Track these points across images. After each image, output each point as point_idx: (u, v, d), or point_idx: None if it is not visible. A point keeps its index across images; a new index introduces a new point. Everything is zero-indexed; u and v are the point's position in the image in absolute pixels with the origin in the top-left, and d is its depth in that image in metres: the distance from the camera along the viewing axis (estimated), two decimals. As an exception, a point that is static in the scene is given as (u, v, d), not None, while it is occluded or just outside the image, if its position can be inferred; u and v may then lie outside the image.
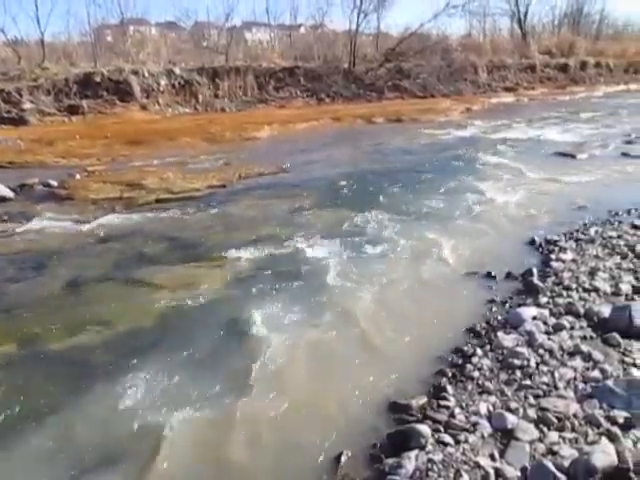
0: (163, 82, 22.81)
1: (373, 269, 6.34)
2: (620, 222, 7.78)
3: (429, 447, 3.29)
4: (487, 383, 3.95)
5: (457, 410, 3.65)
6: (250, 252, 6.83)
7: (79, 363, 4.52)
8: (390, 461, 3.24)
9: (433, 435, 3.39)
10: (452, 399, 3.78)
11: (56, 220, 8.27)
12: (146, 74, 22.51)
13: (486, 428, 3.43)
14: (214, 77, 24.61)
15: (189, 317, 5.23)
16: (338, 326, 5.04)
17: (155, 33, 33.17)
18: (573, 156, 13.23)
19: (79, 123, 19.03)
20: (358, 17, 31.20)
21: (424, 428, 3.42)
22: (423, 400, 3.83)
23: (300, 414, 3.86)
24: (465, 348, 4.51)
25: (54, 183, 10.47)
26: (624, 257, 6.28)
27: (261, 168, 11.82)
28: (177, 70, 23.62)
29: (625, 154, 13.38)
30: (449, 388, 3.92)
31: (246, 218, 8.37)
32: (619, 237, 7.00)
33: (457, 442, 3.32)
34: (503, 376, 4.03)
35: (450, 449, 3.27)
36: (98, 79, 21.36)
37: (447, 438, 3.36)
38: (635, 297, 5.16)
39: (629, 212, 8.34)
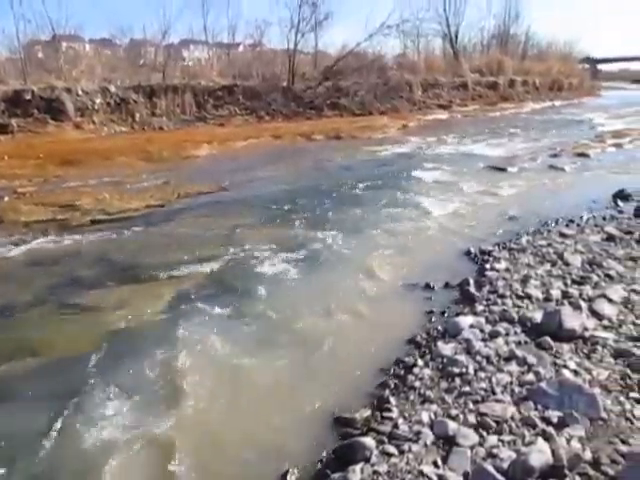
0: (98, 100, 22.17)
1: (313, 284, 6.37)
2: (549, 231, 8.18)
3: (374, 459, 3.32)
4: (428, 392, 4.03)
5: (400, 420, 3.70)
6: (188, 271, 6.71)
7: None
8: (336, 476, 3.24)
9: (377, 447, 3.42)
10: (395, 410, 3.83)
11: (-18, 245, 7.83)
12: (80, 92, 21.81)
13: (429, 436, 3.49)
14: (151, 95, 24.14)
15: (122, 343, 5.01)
16: (279, 344, 5.00)
17: (89, 50, 32.27)
18: (504, 169, 13.84)
19: (8, 143, 18.12)
20: (296, 36, 31.65)
21: (368, 440, 3.45)
22: (367, 413, 3.86)
23: (243, 433, 3.80)
24: (407, 359, 4.59)
25: (-20, 206, 9.94)
26: (554, 264, 6.59)
27: (200, 187, 11.66)
28: (112, 88, 23.04)
29: (552, 167, 14.17)
30: (392, 399, 3.97)
31: (185, 237, 8.22)
32: (549, 245, 7.35)
33: (401, 452, 3.36)
34: (443, 384, 4.13)
35: (394, 459, 3.30)
36: (28, 97, 20.48)
37: (391, 449, 3.39)
38: (564, 302, 5.41)
39: (557, 221, 8.78)
